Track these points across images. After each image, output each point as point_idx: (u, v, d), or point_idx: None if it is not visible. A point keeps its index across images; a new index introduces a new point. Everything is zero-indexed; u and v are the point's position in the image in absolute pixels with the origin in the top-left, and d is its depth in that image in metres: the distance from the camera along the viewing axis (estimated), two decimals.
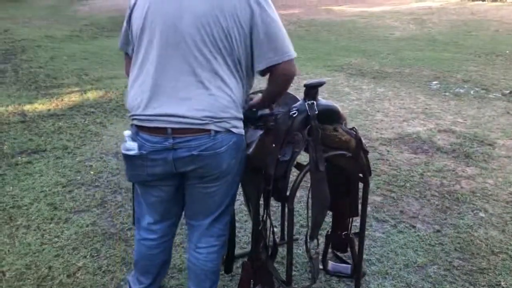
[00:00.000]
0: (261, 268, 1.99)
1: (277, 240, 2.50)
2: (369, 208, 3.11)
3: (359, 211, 2.15)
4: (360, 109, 5.23)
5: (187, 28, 1.58)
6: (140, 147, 1.66)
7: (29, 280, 2.42)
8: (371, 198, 3.24)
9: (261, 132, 1.90)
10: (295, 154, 1.81)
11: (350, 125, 4.54)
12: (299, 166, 1.98)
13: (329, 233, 2.32)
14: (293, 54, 1.67)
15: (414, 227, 2.91)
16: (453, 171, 3.67)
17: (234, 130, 1.68)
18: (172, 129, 1.61)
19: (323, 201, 1.86)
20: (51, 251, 2.67)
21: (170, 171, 1.71)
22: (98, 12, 12.95)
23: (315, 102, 1.84)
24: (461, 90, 5.98)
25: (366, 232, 2.83)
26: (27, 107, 5.21)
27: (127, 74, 1.83)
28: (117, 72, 6.71)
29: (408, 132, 4.51)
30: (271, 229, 2.01)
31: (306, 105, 1.84)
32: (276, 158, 1.80)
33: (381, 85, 6.28)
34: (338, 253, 2.51)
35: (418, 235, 2.83)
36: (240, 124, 1.73)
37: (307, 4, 16.51)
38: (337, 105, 1.96)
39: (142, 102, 1.65)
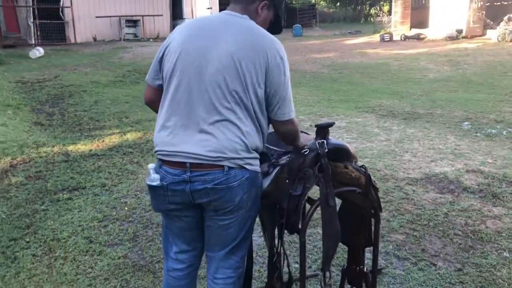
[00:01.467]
0: None
1: (296, 273, 2.59)
2: (390, 246, 3.16)
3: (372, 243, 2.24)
4: (388, 149, 5.30)
5: (209, 79, 1.79)
6: (162, 179, 1.86)
7: None
8: (394, 236, 3.30)
9: (276, 169, 2.05)
10: (306, 190, 1.94)
11: (377, 165, 4.65)
12: (311, 201, 2.11)
13: (345, 267, 2.40)
14: (288, 117, 1.89)
15: (435, 265, 2.94)
16: (479, 210, 3.66)
17: (247, 166, 1.84)
18: (191, 163, 1.80)
19: (334, 235, 1.97)
20: (85, 281, 2.85)
21: (188, 202, 1.88)
22: (141, 59, 13.64)
23: (325, 141, 1.97)
24: (493, 131, 5.95)
25: (386, 269, 2.89)
26: (71, 147, 5.57)
27: (145, 98, 2.06)
28: (155, 115, 7.04)
29: (436, 172, 4.54)
30: (286, 261, 2.12)
31: (317, 144, 1.98)
32: (288, 192, 1.93)
33: (411, 126, 6.34)
34: None
35: (438, 273, 2.85)
36: (255, 162, 1.89)
37: (342, 48, 16.84)
38: (347, 145, 2.09)
39: (167, 139, 1.86)
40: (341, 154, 2.04)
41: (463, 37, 17.33)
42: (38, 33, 17.16)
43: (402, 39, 18.55)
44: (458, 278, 2.79)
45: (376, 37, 19.51)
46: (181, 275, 2.11)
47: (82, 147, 5.61)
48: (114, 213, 3.79)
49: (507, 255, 3.03)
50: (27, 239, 3.38)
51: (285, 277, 2.33)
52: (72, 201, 4.04)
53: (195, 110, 1.82)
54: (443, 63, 12.23)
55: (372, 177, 2.03)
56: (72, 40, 18.05)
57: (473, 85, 9.33)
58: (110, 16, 18.62)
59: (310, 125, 6.46)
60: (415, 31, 19.11)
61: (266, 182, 2.06)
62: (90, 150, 5.46)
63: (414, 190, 4.10)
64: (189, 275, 2.14)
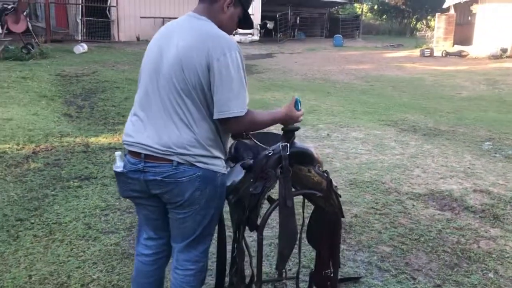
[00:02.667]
0: None
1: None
2: (374, 257, 3.18)
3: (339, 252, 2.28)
4: (400, 163, 5.26)
5: (162, 77, 1.93)
6: (124, 166, 2.00)
7: (48, 285, 2.77)
8: (381, 248, 3.31)
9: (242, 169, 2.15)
10: (266, 189, 2.02)
11: (384, 177, 4.66)
12: (272, 200, 2.18)
13: (313, 271, 2.45)
14: (230, 114, 1.85)
15: (414, 279, 2.93)
16: (475, 230, 3.61)
17: (199, 164, 1.92)
18: (145, 154, 1.93)
19: (290, 235, 2.04)
20: (74, 263, 3.02)
21: (147, 191, 2.00)
22: None
23: (288, 145, 2.05)
24: None
25: (364, 279, 2.92)
26: (92, 139, 5.83)
27: None
28: None
29: (441, 189, 4.48)
30: (245, 257, 2.19)
31: (280, 147, 2.05)
32: (248, 190, 2.02)
33: (429, 142, 6.25)
34: None
35: (416, 287, 2.84)
36: (212, 161, 1.96)
37: (380, 61, 16.68)
38: (312, 149, 2.16)
39: (129, 131, 2.01)
40: (305, 158, 2.10)
41: (507, 57, 16.82)
42: (84, 30, 17.87)
43: (443, 55, 18.18)
44: None
45: (417, 52, 19.21)
46: (148, 260, 2.23)
47: (103, 139, 5.85)
48: (117, 203, 3.96)
49: (492, 276, 2.99)
50: (32, 221, 3.60)
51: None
52: (81, 189, 4.24)
53: (152, 106, 1.96)
54: (480, 82, 11.93)
55: (333, 183, 2.09)
56: (116, 39, 18.69)
57: (506, 106, 9.08)
58: (154, 17, 19.16)
59: (328, 134, 6.49)
60: (457, 47, 18.70)
61: (237, 178, 2.17)
62: (110, 143, 5.70)
63: (413, 205, 4.07)
64: (156, 262, 2.25)
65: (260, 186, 2.02)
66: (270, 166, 2.04)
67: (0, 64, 11.17)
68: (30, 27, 14.63)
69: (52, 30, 17.09)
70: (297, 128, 2.11)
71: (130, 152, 1.99)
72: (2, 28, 13.54)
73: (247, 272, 2.37)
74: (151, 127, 1.94)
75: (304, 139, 6.19)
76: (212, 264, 2.85)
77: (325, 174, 2.08)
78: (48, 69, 11.36)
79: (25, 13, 13.97)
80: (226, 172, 2.06)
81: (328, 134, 6.51)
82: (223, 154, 2.03)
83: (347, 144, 6.02)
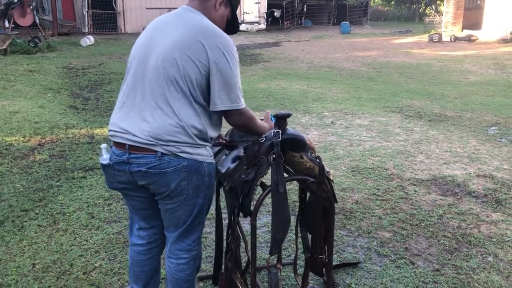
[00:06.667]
0: (230, 279, 2.20)
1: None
2: (374, 243, 3.19)
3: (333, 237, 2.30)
4: (403, 149, 5.25)
5: (151, 67, 1.94)
6: (110, 158, 2.01)
7: (51, 273, 2.83)
8: (380, 233, 3.32)
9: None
10: (258, 175, 2.04)
11: (386, 164, 4.66)
12: (264, 186, 2.20)
13: (308, 256, 2.47)
14: (233, 107, 1.94)
15: (413, 264, 2.94)
16: (476, 215, 3.60)
17: (183, 155, 1.93)
18: (129, 145, 1.93)
19: (283, 220, 2.06)
20: (77, 252, 3.07)
21: (134, 182, 2.00)
22: None
23: (279, 131, 2.06)
24: None
25: (363, 264, 2.94)
26: (97, 130, 5.88)
27: None
28: None
29: (444, 174, 4.47)
30: (242, 243, 2.22)
31: (272, 133, 2.06)
32: (241, 177, 2.04)
33: (434, 128, 6.22)
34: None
35: (414, 271, 2.86)
36: (197, 150, 1.96)
37: (387, 47, 16.53)
38: (304, 135, 2.16)
39: (114, 120, 2.02)
40: (297, 144, 2.11)
41: None
42: (91, 22, 17.93)
43: (452, 40, 17.95)
44: (433, 278, 2.79)
45: (425, 38, 18.98)
46: (142, 250, 2.26)
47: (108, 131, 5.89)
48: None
49: (491, 259, 2.99)
50: (37, 211, 3.66)
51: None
52: (86, 180, 4.30)
53: (138, 95, 1.96)
54: (488, 66, 11.78)
55: (326, 168, 2.10)
56: (123, 30, 18.74)
57: None
58: (160, 8, 19.14)
59: (332, 122, 6.48)
60: (466, 32, 18.45)
61: (231, 165, 2.19)
62: None
63: (415, 191, 4.07)
64: (150, 251, 2.28)
65: (252, 173, 2.03)
66: (262, 153, 2.05)
67: (8, 58, 11.27)
68: (37, 21, 14.72)
69: (59, 23, 17.16)
70: (289, 114, 2.12)
71: (115, 143, 1.99)
72: (9, 22, 13.64)
73: (245, 258, 2.40)
74: (136, 117, 1.94)
75: (308, 127, 6.19)
76: (212, 251, 2.89)
77: (318, 160, 2.09)
78: (55, 62, 11.45)
79: (32, 7, 14.04)
80: (212, 161, 2.06)
81: (332, 122, 6.49)
82: (208, 143, 2.03)
83: (351, 131, 6.00)
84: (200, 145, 1.97)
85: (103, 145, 2.07)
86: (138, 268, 2.31)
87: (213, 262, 2.67)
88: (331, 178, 2.13)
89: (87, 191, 4.05)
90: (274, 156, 2.02)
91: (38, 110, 6.77)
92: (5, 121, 6.05)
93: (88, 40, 15.21)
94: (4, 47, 11.70)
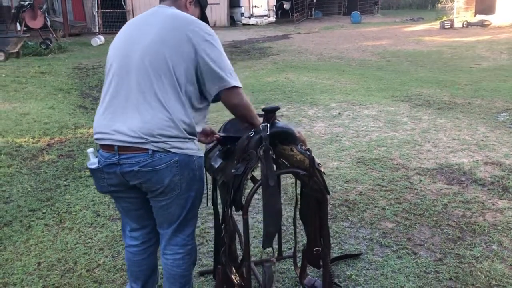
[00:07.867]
0: (226, 274, 2.22)
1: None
2: (376, 233, 3.18)
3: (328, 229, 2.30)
4: (410, 139, 5.20)
5: (135, 63, 1.93)
6: (98, 162, 1.99)
7: (56, 271, 2.88)
8: (383, 224, 3.30)
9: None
10: (248, 170, 2.04)
11: (393, 154, 4.64)
12: (255, 180, 2.20)
13: (305, 248, 2.47)
14: (232, 83, 1.93)
15: (415, 254, 2.92)
16: (482, 203, 3.56)
17: (174, 150, 1.93)
18: (118, 146, 1.91)
19: (275, 213, 2.06)
20: (81, 249, 3.12)
21: (125, 183, 2.00)
22: None
23: (268, 125, 2.05)
24: None
25: (365, 255, 2.93)
26: None
27: None
28: None
29: (451, 163, 4.42)
30: (236, 238, 2.23)
31: (261, 127, 2.06)
32: (231, 171, 2.04)
33: (443, 116, 6.14)
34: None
35: (416, 262, 2.84)
36: (186, 145, 1.96)
37: (398, 36, 16.35)
38: (293, 128, 2.16)
39: (100, 123, 1.98)
40: (287, 137, 2.11)
41: None
42: (101, 22, 18.08)
43: (464, 26, 17.67)
44: (435, 268, 2.77)
45: (437, 25, 18.74)
46: (137, 250, 2.28)
47: None
48: None
49: (495, 248, 2.96)
50: (44, 210, 3.72)
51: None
52: (92, 179, 4.34)
53: (123, 93, 1.94)
54: (501, 52, 11.58)
55: (316, 160, 2.09)
56: None
57: None
58: None
59: (339, 113, 6.45)
60: (479, 17, 18.14)
61: (221, 161, 2.20)
62: None
63: (421, 180, 4.03)
64: (145, 251, 2.29)
65: (242, 167, 2.04)
66: (251, 147, 2.05)
67: (20, 61, 11.44)
68: (49, 23, 14.90)
69: (69, 24, 17.35)
70: (277, 108, 2.12)
71: (102, 146, 1.97)
72: (21, 25, 13.83)
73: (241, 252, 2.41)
74: (122, 116, 1.92)
75: (315, 119, 6.17)
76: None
77: (308, 152, 2.09)
78: (65, 62, 11.58)
79: (42, 9, 14.21)
80: (201, 155, 2.08)
81: (339, 113, 6.46)
82: (195, 137, 2.04)
83: (358, 122, 5.96)
84: (189, 139, 1.98)
85: (90, 150, 2.06)
86: (135, 268, 2.33)
87: (213, 256, 2.70)
88: (322, 170, 2.13)
89: (94, 190, 4.10)
90: (263, 150, 2.02)
91: (48, 111, 6.87)
92: (16, 123, 6.15)
93: (99, 39, 15.35)
94: (16, 50, 11.88)
